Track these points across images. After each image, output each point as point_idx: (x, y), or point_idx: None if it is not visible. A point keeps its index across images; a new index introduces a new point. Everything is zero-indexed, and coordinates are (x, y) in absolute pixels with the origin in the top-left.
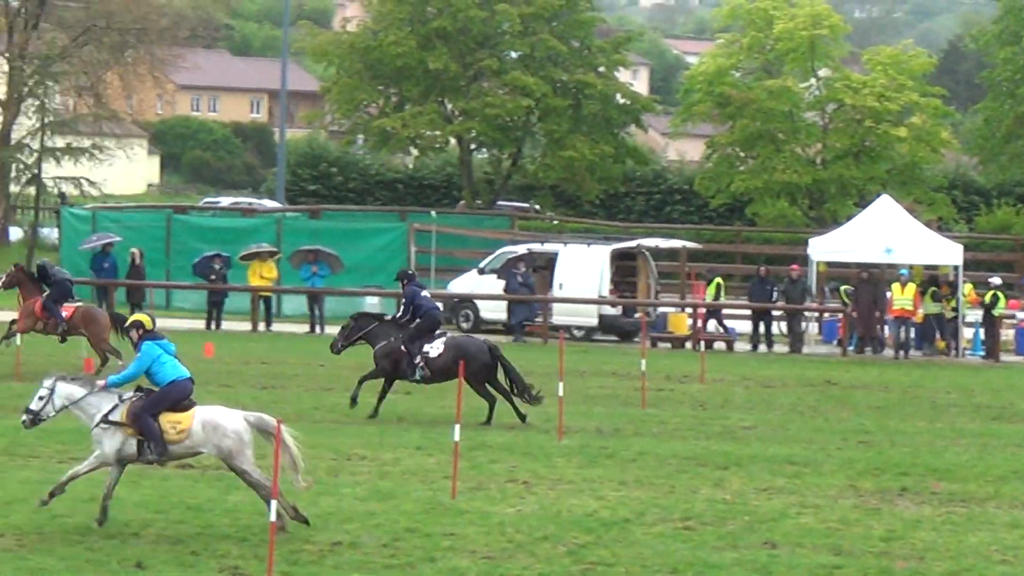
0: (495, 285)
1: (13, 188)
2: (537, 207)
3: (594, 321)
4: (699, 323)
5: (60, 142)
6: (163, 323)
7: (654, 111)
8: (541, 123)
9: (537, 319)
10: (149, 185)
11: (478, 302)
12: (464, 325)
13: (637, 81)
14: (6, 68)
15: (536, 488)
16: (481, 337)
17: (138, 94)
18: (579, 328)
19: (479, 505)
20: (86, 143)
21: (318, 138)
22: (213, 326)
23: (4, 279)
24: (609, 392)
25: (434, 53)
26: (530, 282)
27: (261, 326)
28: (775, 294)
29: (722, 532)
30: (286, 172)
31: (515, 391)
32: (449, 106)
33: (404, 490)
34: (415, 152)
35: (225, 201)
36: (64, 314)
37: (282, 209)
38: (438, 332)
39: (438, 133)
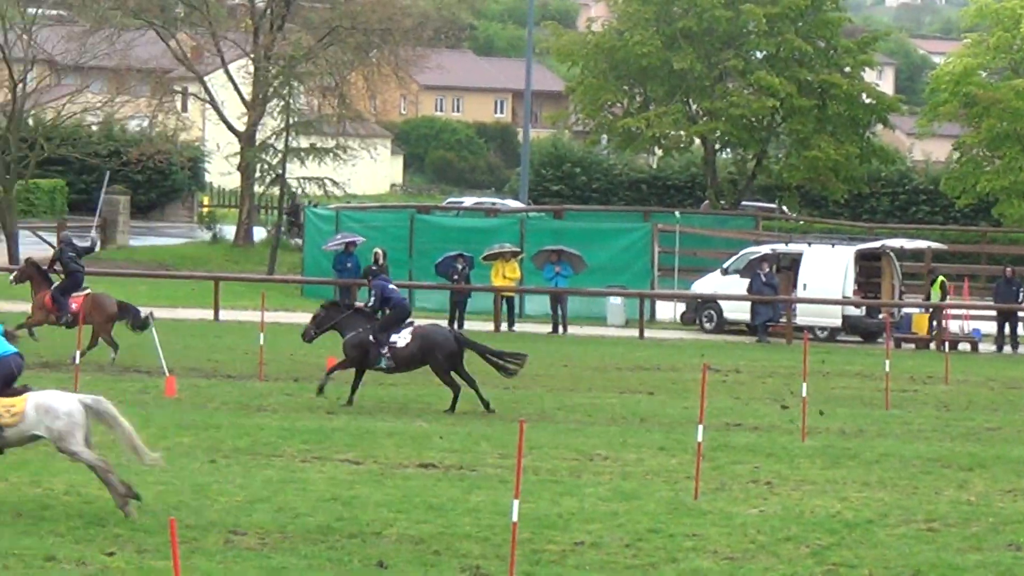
0: (739, 285)
1: (257, 188)
2: (783, 208)
3: (838, 322)
4: (943, 324)
5: (304, 142)
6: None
7: (899, 111)
8: (786, 123)
9: (781, 320)
10: (392, 185)
11: (721, 303)
12: (707, 325)
13: (882, 81)
14: (252, 69)
15: (779, 489)
16: (445, 326)
17: (382, 94)
18: (823, 329)
19: (721, 506)
20: (330, 143)
21: (562, 138)
22: (455, 326)
23: (16, 274)
24: (853, 393)
25: (679, 53)
26: (774, 282)
27: (503, 326)
28: (1021, 295)
29: (966, 534)
30: (529, 172)
31: (498, 366)
32: (694, 106)
33: (647, 490)
34: (659, 152)
35: (468, 201)
36: (73, 306)
37: (525, 209)
38: (407, 323)
39: (682, 133)
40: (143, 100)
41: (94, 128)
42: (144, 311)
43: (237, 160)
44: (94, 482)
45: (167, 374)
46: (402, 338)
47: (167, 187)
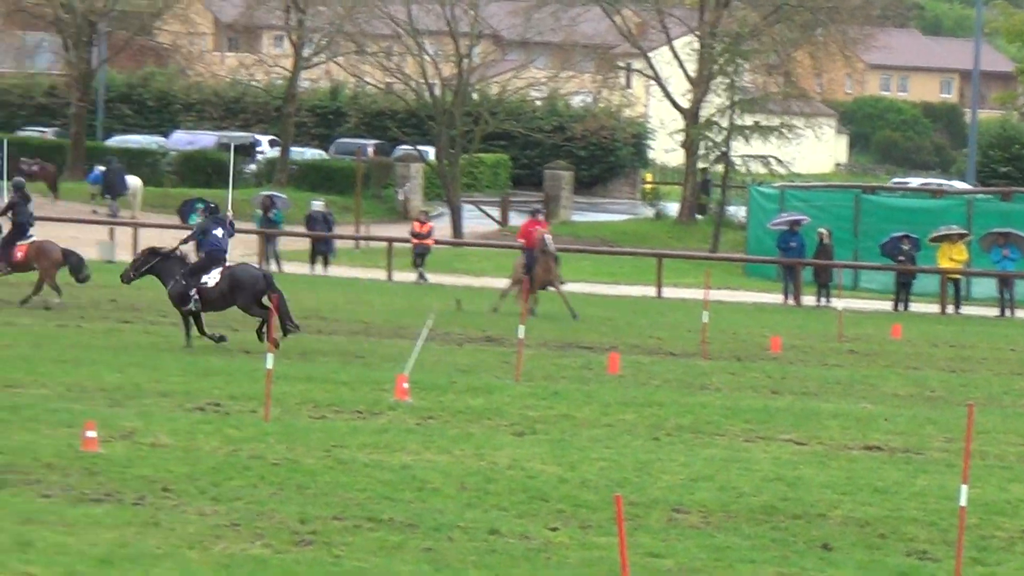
0: None
1: (700, 165)
2: None
3: None
4: None
5: (748, 120)
6: (850, 303)
7: None
8: None
9: None
10: (837, 164)
11: None
12: None
13: None
14: (697, 46)
15: None
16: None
17: (827, 73)
18: None
19: None
20: (775, 122)
21: (1011, 119)
22: (901, 307)
23: None
24: None
25: None
26: None
27: (949, 308)
28: None
29: None
30: (977, 153)
31: (282, 324)
32: None
33: None
34: None
35: (914, 182)
36: (18, 254)
37: (973, 191)
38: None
39: None
40: (587, 76)
41: (538, 103)
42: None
43: (681, 137)
44: (538, 456)
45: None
46: (212, 278)
47: (610, 163)
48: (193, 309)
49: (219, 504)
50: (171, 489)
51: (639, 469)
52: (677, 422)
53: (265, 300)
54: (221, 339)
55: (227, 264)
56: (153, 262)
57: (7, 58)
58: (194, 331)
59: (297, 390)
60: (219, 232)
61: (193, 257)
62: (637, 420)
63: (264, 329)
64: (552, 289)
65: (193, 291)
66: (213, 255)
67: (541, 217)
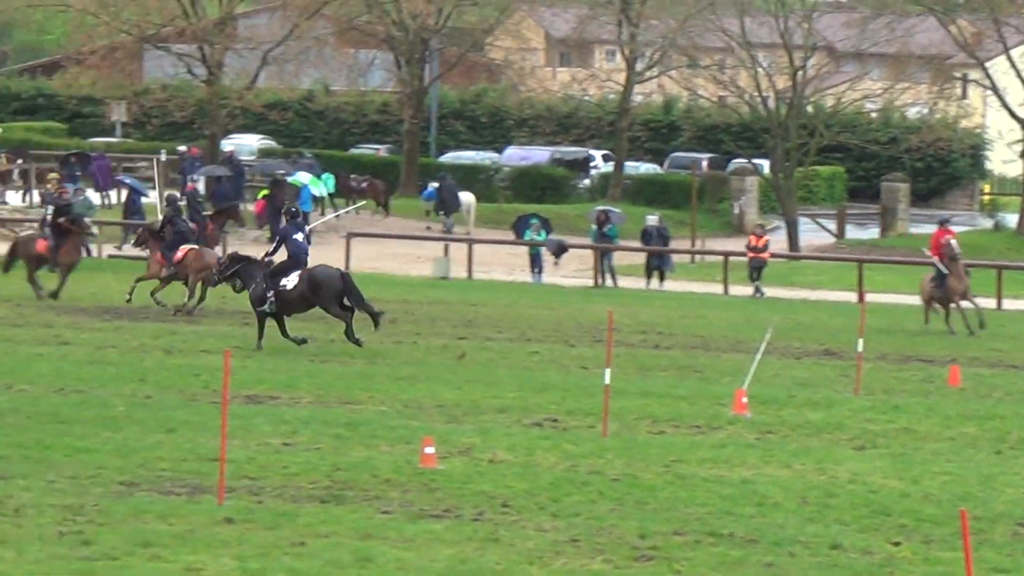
0: None
1: None
2: None
3: None
4: None
5: None
6: None
7: None
8: None
9: None
10: None
11: None
12: None
13: None
14: None
15: None
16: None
17: None
18: None
19: None
20: None
21: None
22: None
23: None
24: None
25: None
26: None
27: None
28: None
29: None
30: None
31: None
32: None
33: None
34: None
35: None
36: (179, 255)
37: None
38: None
39: None
40: (923, 87)
41: (873, 115)
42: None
43: (1020, 147)
44: (879, 470)
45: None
46: (291, 280)
47: (947, 175)
48: (268, 311)
49: (558, 520)
50: (510, 505)
51: (982, 483)
52: (1020, 435)
53: (346, 301)
54: (303, 342)
55: (307, 267)
56: (236, 267)
57: (340, 76)
58: (276, 335)
59: (635, 405)
60: (299, 236)
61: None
62: (979, 433)
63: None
64: (965, 303)
65: (271, 293)
66: (295, 258)
67: (949, 226)
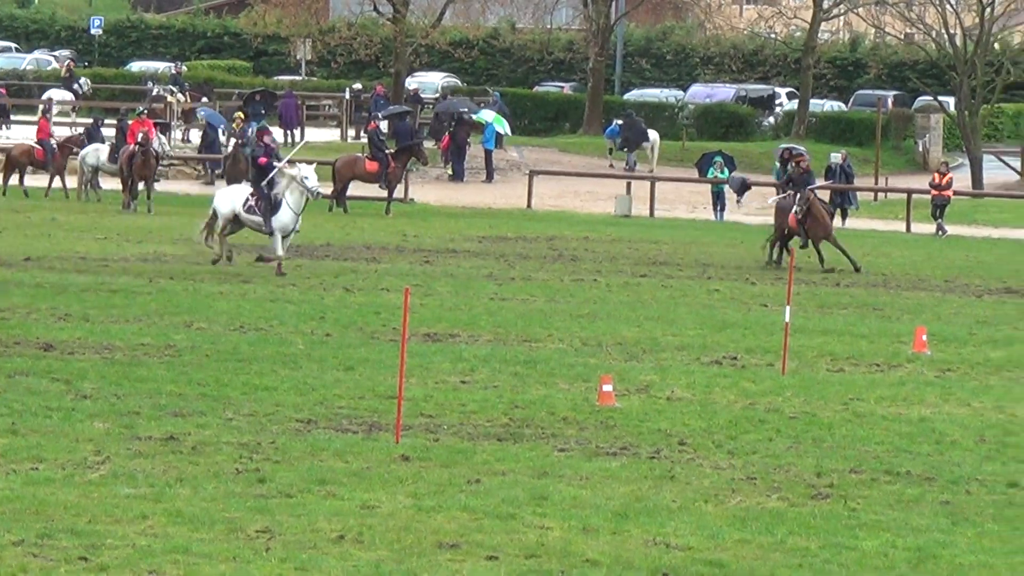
0: None
1: None
2: None
3: None
4: None
5: None
6: None
7: None
8: None
9: None
10: None
11: None
12: None
13: None
14: None
15: None
16: None
17: None
18: None
19: None
20: None
21: None
22: None
23: None
24: None
25: None
26: None
27: None
28: None
29: None
30: None
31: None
32: None
33: None
34: None
35: None
36: None
37: None
38: None
39: None
40: None
41: None
42: None
43: None
44: None
45: None
46: None
47: None
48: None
49: (735, 458)
50: (687, 443)
51: None
52: None
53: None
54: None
55: None
56: None
57: (526, 14)
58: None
59: (815, 343)
60: None
61: None
62: None
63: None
64: None
65: None
66: None
67: None
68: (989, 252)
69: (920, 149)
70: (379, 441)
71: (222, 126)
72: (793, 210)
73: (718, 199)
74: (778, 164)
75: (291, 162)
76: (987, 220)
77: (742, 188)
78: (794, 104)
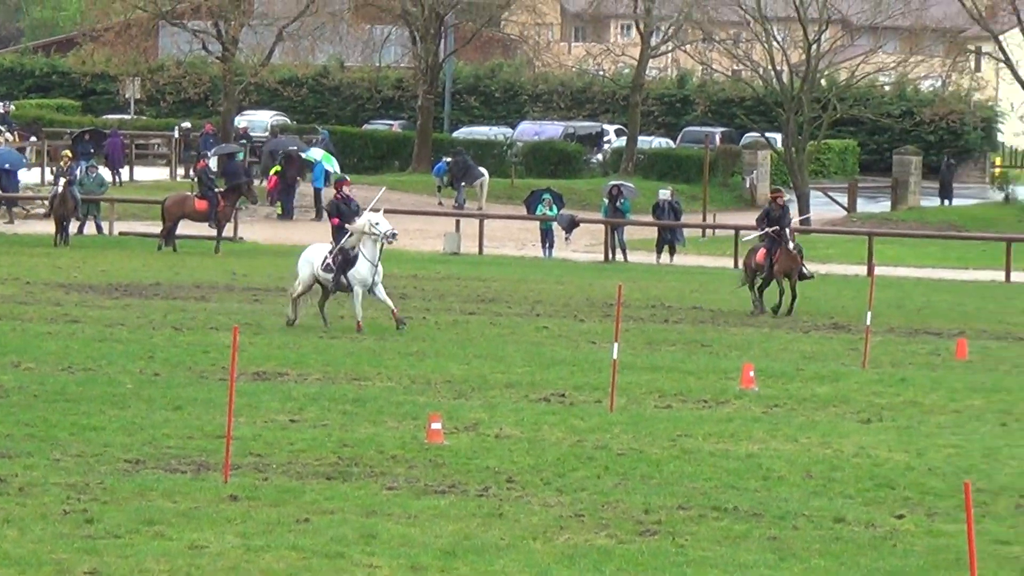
0: None
1: None
2: None
3: None
4: None
5: None
6: None
7: None
8: None
9: None
10: None
11: None
12: None
13: None
14: None
15: None
16: None
17: None
18: None
19: None
20: None
21: None
22: None
23: None
24: None
25: None
26: None
27: None
28: None
29: None
30: None
31: None
32: None
33: None
34: None
35: None
36: None
37: None
38: None
39: None
40: (936, 60)
41: (886, 88)
42: None
43: None
44: (884, 444)
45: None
46: None
47: (959, 147)
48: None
49: (563, 495)
50: (515, 480)
51: (987, 456)
52: None
53: None
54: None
55: None
56: None
57: (355, 52)
58: None
59: (643, 380)
60: None
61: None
62: (985, 406)
63: None
64: None
65: None
66: None
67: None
68: (816, 288)
69: (747, 185)
70: (208, 481)
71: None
72: (783, 245)
73: (547, 236)
74: (606, 201)
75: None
76: (814, 256)
77: (571, 225)
78: (622, 141)
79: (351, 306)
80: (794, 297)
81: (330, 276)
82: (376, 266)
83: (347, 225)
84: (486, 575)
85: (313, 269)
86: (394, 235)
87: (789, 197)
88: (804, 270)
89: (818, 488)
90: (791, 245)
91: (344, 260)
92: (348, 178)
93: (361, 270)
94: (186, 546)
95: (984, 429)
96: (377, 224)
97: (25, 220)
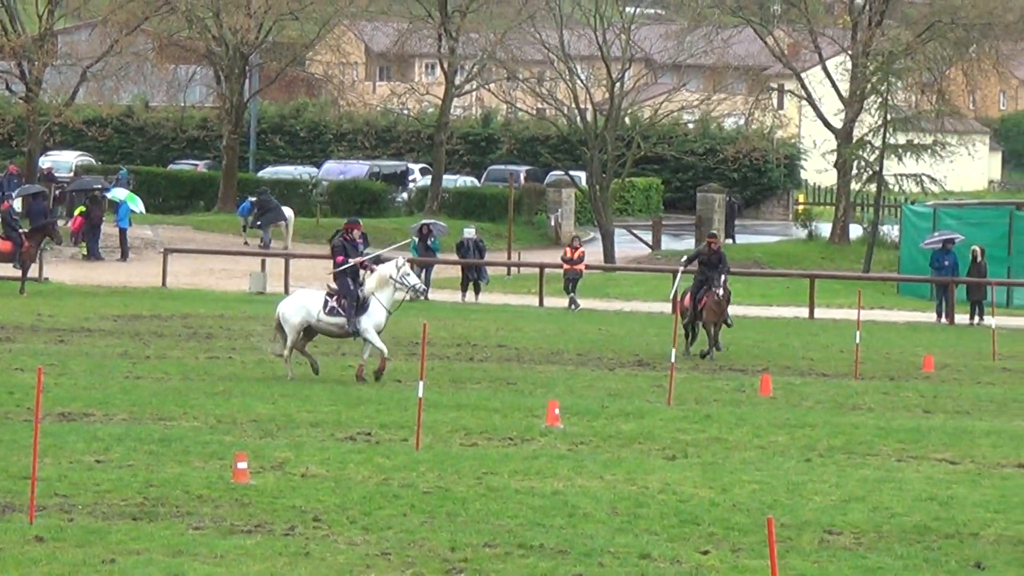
0: None
1: (854, 185)
2: None
3: None
4: None
5: (901, 139)
6: (1003, 320)
7: None
8: None
9: None
10: (990, 182)
11: None
12: None
13: None
14: (850, 66)
15: None
16: None
17: (981, 90)
18: None
19: None
20: (928, 140)
21: None
22: None
23: None
24: None
25: None
26: None
27: None
28: None
29: None
30: None
31: None
32: None
33: None
34: None
35: None
36: None
37: None
38: None
39: None
40: (739, 98)
41: (690, 126)
42: None
43: (833, 157)
44: (689, 480)
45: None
46: None
47: (763, 184)
48: None
49: (370, 533)
50: (322, 519)
51: (791, 491)
52: (829, 443)
53: None
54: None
55: None
56: None
57: (160, 92)
58: None
59: (448, 418)
60: None
61: None
62: (789, 442)
63: None
64: None
65: None
66: None
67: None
68: (621, 325)
69: (552, 224)
70: (12, 522)
71: None
72: (712, 289)
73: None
74: (416, 239)
75: (378, 258)
76: (619, 293)
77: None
78: (427, 180)
79: (366, 349)
80: (712, 345)
81: (336, 320)
82: (391, 314)
83: (371, 267)
84: None
85: (307, 315)
86: (425, 292)
87: (594, 235)
88: (727, 319)
89: (624, 525)
90: (720, 292)
91: (355, 303)
92: (360, 221)
93: (377, 316)
94: None
95: (788, 465)
96: (408, 275)
97: None
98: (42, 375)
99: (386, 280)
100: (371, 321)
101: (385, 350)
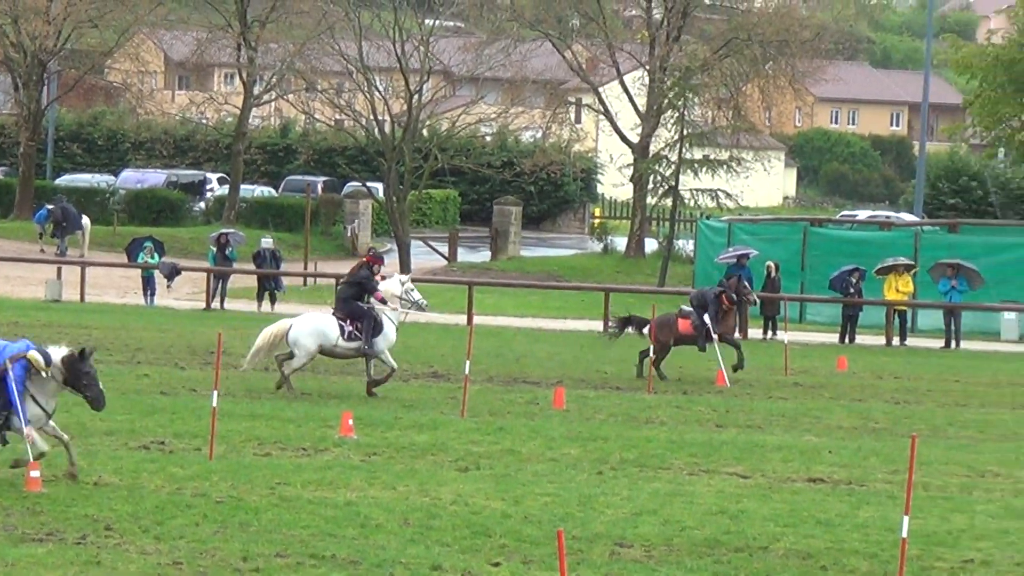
0: None
1: (650, 199)
2: None
3: None
4: None
5: (698, 154)
6: (796, 336)
7: None
8: None
9: None
10: (785, 198)
11: None
12: None
13: None
14: (647, 80)
15: None
16: None
17: (777, 106)
18: None
19: None
20: (724, 155)
21: (959, 151)
22: (847, 340)
23: None
24: None
25: None
26: None
27: (895, 340)
28: None
29: None
30: (925, 185)
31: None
32: None
33: None
34: None
35: (862, 214)
36: None
37: (920, 223)
38: None
39: None
40: (537, 111)
41: (488, 139)
42: None
43: (630, 171)
44: (482, 492)
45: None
46: None
47: (559, 198)
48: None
49: (162, 543)
50: (114, 528)
51: (583, 503)
52: (622, 456)
53: None
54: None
55: None
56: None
57: None
58: None
59: (242, 427)
60: None
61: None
62: (582, 455)
63: None
64: None
65: None
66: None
67: None
68: (416, 337)
69: (349, 234)
70: None
71: None
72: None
73: (148, 284)
74: (214, 249)
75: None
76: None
77: (172, 273)
78: (225, 189)
79: (377, 364)
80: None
81: (353, 344)
82: (397, 330)
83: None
84: None
85: (325, 341)
86: (427, 306)
87: (390, 247)
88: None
89: (416, 536)
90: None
91: (371, 325)
92: (383, 257)
93: (390, 335)
94: None
95: (580, 477)
96: (412, 291)
97: None
98: None
99: (392, 298)
100: (386, 342)
101: (395, 365)
